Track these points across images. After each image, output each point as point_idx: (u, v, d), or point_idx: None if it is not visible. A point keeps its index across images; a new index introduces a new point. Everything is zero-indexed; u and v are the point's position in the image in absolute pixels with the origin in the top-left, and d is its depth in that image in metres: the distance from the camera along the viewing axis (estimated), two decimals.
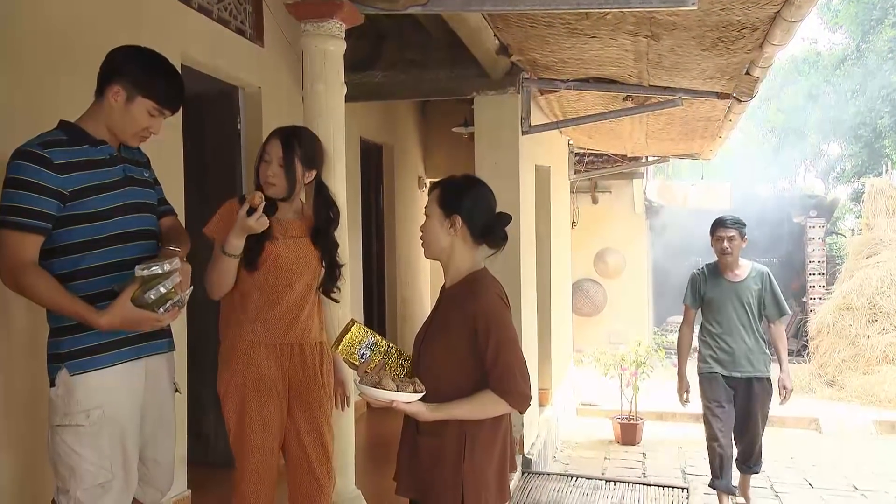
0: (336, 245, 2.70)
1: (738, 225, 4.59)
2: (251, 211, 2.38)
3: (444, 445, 2.00)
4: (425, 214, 2.10)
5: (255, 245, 2.48)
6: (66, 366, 2.03)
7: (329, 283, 2.67)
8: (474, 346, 1.97)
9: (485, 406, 1.97)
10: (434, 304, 2.20)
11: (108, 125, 2.11)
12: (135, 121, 2.11)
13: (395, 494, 2.15)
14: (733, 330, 4.57)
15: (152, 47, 2.19)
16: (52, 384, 2.05)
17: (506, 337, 1.98)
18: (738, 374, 4.58)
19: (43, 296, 1.98)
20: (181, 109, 2.27)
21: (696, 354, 4.73)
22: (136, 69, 2.09)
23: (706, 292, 4.68)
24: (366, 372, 2.01)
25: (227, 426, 2.53)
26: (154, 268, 1.99)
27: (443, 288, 2.17)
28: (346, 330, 2.11)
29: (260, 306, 2.51)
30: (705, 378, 4.66)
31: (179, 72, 2.23)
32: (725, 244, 4.57)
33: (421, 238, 2.11)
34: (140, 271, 1.98)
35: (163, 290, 1.99)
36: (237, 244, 2.43)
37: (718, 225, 4.62)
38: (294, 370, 2.55)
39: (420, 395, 1.94)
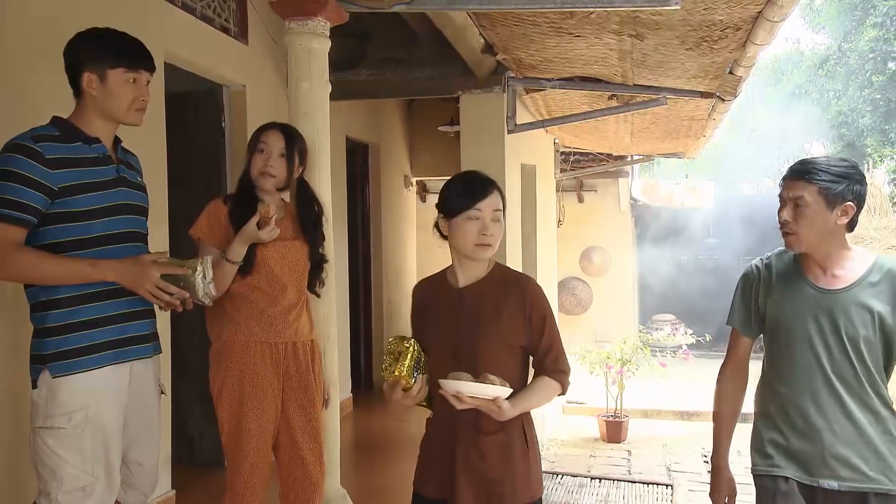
0: (324, 238, 2.76)
1: (820, 176, 2.07)
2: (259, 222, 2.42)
3: (511, 440, 2.00)
4: (496, 220, 2.06)
5: (248, 252, 2.49)
6: (48, 367, 2.00)
7: (313, 279, 2.71)
8: (525, 332, 2.02)
9: (548, 392, 2.03)
10: (440, 307, 2.07)
11: (103, 115, 2.09)
12: (119, 95, 2.07)
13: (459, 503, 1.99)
14: (819, 391, 2.11)
15: None
16: (34, 386, 2.03)
17: (554, 321, 2.07)
18: (836, 485, 2.08)
19: (37, 269, 1.96)
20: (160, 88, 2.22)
21: (750, 436, 2.27)
22: (90, 49, 2.07)
23: (767, 305, 2.23)
24: (459, 373, 1.90)
25: (221, 425, 2.52)
26: (210, 270, 2.14)
27: (442, 284, 2.10)
28: (401, 353, 1.95)
29: (255, 307, 2.52)
30: (765, 487, 2.18)
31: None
32: (785, 214, 2.13)
33: (491, 240, 2.05)
34: (208, 260, 2.16)
35: (192, 278, 2.08)
36: (241, 251, 2.46)
37: (784, 176, 2.17)
38: (288, 369, 2.57)
39: (511, 391, 1.91)
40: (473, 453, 1.98)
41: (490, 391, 1.85)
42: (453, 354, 2.00)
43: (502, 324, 2.00)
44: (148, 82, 2.14)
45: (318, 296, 2.79)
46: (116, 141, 2.19)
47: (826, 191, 2.06)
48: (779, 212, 2.17)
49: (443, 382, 1.85)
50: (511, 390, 1.89)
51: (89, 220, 2.03)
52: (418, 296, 2.17)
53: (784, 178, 2.16)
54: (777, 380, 2.20)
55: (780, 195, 2.18)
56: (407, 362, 1.93)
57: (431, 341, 2.04)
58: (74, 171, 2.01)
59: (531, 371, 2.11)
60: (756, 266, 2.31)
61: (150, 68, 2.14)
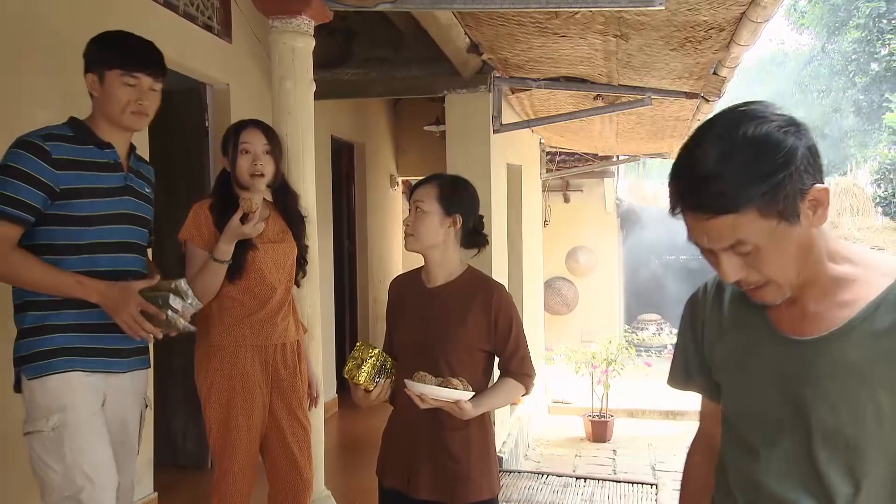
0: (305, 226, 2.77)
1: (751, 188, 1.01)
2: (243, 217, 2.39)
3: (472, 437, 2.05)
4: (418, 208, 2.07)
5: (239, 256, 2.46)
6: (23, 370, 1.97)
7: (297, 270, 2.71)
8: (489, 336, 2.04)
9: (511, 393, 2.09)
10: (411, 305, 2.13)
11: (105, 118, 2.06)
12: (115, 98, 2.04)
13: (418, 498, 2.04)
14: None
15: None
16: (17, 389, 2.01)
17: (521, 326, 2.11)
18: None
19: (26, 273, 1.93)
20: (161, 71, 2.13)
21: None
22: (94, 51, 2.07)
23: (714, 357, 1.24)
24: (424, 374, 1.94)
25: (209, 427, 2.50)
26: (186, 288, 2.07)
27: (415, 282, 2.15)
28: (364, 360, 2.01)
29: (244, 310, 2.50)
30: None
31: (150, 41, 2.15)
32: (731, 271, 1.09)
33: (408, 230, 2.08)
34: (180, 282, 2.07)
35: (172, 304, 2.01)
36: (228, 250, 2.42)
37: (688, 211, 1.07)
38: (276, 370, 2.55)
39: (473, 394, 1.95)
40: (436, 447, 2.03)
41: (452, 395, 1.89)
42: (419, 352, 2.05)
43: (467, 327, 2.04)
44: (153, 88, 2.10)
45: (299, 286, 2.78)
46: (132, 149, 2.16)
47: (770, 203, 1.02)
48: (718, 270, 1.11)
49: (408, 383, 1.90)
50: (473, 393, 1.93)
51: (85, 226, 2.00)
52: (393, 291, 2.23)
53: (691, 214, 1.07)
54: (725, 483, 1.24)
55: (701, 244, 1.10)
56: (367, 369, 2.00)
57: (399, 337, 2.11)
58: (79, 175, 1.98)
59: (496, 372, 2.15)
60: (706, 287, 1.29)
61: (152, 72, 2.09)
